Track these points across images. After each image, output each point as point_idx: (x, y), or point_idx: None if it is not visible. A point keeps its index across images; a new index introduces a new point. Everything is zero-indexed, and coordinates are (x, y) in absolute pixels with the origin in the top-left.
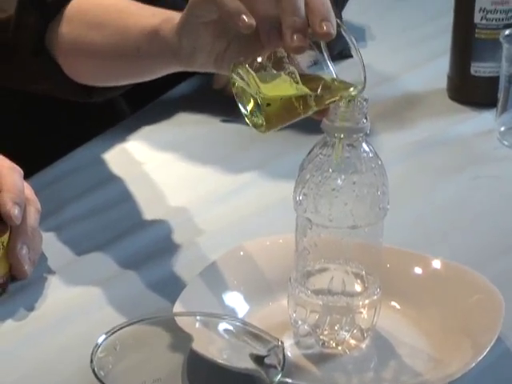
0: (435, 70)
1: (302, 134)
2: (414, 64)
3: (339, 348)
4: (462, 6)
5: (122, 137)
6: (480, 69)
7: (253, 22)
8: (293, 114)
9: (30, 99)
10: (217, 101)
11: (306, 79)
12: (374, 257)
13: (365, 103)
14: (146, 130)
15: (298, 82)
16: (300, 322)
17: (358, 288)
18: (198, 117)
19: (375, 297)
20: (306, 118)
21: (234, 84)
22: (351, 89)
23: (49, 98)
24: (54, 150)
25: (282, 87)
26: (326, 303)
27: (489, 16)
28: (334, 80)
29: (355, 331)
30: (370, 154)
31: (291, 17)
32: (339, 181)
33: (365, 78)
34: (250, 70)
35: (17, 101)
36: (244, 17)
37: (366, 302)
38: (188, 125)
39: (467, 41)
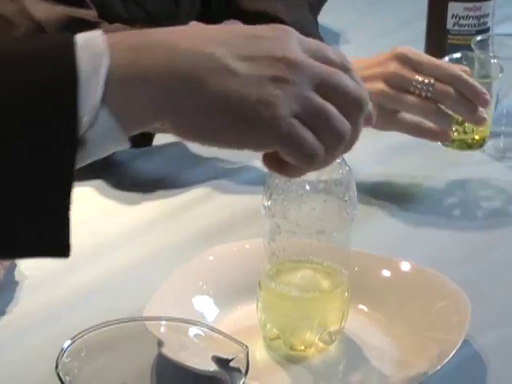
0: None
1: None
2: None
3: (308, 351)
4: (435, 12)
5: None
6: None
7: None
8: None
9: None
10: None
11: None
12: (342, 260)
13: None
14: None
15: None
16: (268, 326)
17: (326, 286)
18: None
19: (344, 300)
20: None
21: None
22: None
23: None
24: None
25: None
26: (295, 303)
27: (461, 22)
28: None
29: (323, 334)
30: (338, 160)
31: None
32: (307, 186)
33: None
34: None
35: None
36: None
37: (335, 304)
38: None
39: (440, 46)
